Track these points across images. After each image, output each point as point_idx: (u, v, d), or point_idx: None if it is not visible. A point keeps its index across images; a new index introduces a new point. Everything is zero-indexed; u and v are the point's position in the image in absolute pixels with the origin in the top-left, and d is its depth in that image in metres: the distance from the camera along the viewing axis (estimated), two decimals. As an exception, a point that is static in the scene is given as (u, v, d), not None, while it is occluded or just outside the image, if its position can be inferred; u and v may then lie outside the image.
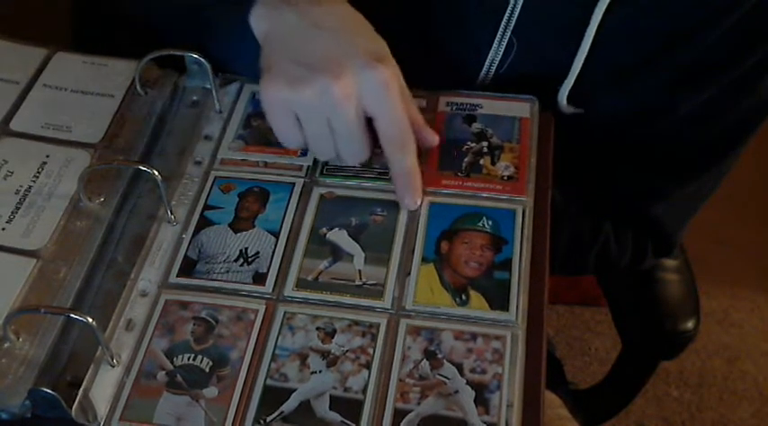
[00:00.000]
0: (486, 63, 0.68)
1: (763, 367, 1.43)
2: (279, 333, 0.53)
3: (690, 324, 0.86)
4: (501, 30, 0.65)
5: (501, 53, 0.67)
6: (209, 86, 0.65)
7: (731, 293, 1.51)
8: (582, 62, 0.65)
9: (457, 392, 0.50)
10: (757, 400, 1.40)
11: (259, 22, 0.59)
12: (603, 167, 0.74)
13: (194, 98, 0.66)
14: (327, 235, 0.58)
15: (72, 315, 0.51)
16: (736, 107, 0.68)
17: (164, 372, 0.52)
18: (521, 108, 0.64)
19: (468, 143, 0.62)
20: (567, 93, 0.67)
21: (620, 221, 0.78)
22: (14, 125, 0.64)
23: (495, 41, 0.66)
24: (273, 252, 0.57)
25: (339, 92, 0.53)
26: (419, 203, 0.59)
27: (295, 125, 0.56)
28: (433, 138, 0.61)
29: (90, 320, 0.49)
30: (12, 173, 0.60)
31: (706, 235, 1.31)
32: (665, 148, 0.72)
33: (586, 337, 1.45)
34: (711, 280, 1.40)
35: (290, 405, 0.50)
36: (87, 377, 0.51)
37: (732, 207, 1.43)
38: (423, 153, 0.61)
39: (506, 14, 0.64)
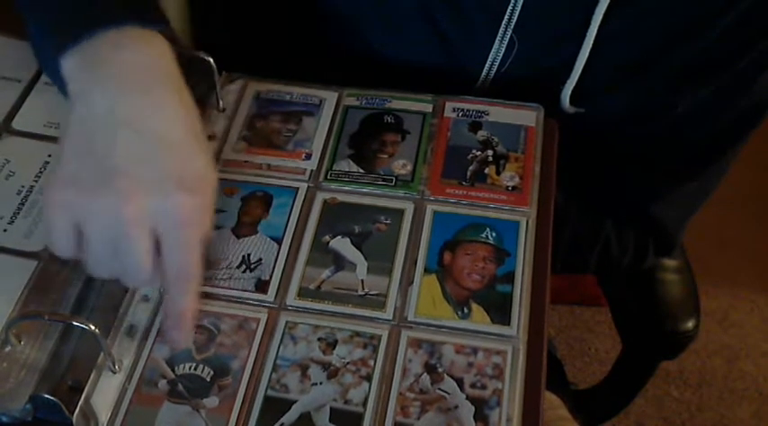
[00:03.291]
0: (488, 62, 0.67)
1: (763, 367, 1.44)
2: (280, 343, 0.53)
3: (690, 324, 0.86)
4: (502, 28, 0.65)
5: (502, 52, 0.66)
6: (212, 85, 0.64)
7: (731, 293, 1.50)
8: (584, 62, 0.65)
9: (457, 407, 0.50)
10: (757, 400, 1.40)
11: (69, 78, 0.52)
12: (604, 166, 0.74)
13: (196, 96, 0.66)
14: (330, 243, 0.57)
15: (75, 323, 0.51)
16: (734, 105, 0.69)
17: (165, 381, 0.51)
18: (527, 116, 0.64)
19: (474, 151, 0.62)
20: (569, 93, 0.67)
21: (621, 220, 0.78)
22: (16, 124, 0.63)
23: (497, 40, 0.66)
24: (276, 260, 0.56)
25: (127, 216, 0.47)
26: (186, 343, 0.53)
27: (74, 233, 0.49)
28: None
29: (93, 327, 0.49)
30: (14, 173, 0.60)
31: (706, 235, 1.31)
32: (665, 147, 0.72)
33: (587, 337, 1.45)
34: (711, 280, 1.40)
35: (290, 417, 0.50)
36: (89, 383, 0.51)
37: (732, 207, 1.43)
38: (427, 159, 0.61)
39: (507, 13, 0.64)
